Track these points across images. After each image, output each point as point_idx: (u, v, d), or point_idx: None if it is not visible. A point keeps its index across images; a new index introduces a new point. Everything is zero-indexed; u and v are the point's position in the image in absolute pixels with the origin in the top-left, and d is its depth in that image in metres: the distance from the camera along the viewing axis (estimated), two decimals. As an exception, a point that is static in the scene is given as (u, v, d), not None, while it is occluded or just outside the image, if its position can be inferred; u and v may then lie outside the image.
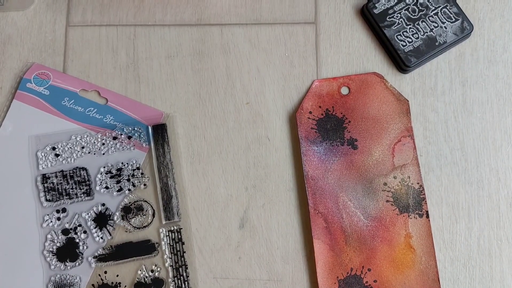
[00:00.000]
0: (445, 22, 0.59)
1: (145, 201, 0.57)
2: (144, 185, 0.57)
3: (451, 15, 0.59)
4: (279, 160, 0.59)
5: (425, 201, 0.56)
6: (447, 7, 0.59)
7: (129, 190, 0.57)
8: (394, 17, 0.60)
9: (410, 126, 0.58)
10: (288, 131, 0.59)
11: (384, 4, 0.60)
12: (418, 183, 0.57)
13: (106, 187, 0.57)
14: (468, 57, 0.60)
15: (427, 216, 0.56)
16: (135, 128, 0.58)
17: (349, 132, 0.58)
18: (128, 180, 0.57)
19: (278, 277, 0.57)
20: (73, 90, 0.60)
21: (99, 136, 0.58)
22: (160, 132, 0.57)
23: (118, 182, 0.57)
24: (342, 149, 0.58)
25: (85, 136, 0.58)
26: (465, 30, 0.59)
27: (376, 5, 0.60)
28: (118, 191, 0.57)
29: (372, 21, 0.60)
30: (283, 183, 0.58)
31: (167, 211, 0.56)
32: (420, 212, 0.56)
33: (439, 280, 0.55)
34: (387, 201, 0.56)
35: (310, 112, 0.59)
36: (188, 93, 0.61)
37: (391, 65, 0.61)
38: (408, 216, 0.56)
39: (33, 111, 0.59)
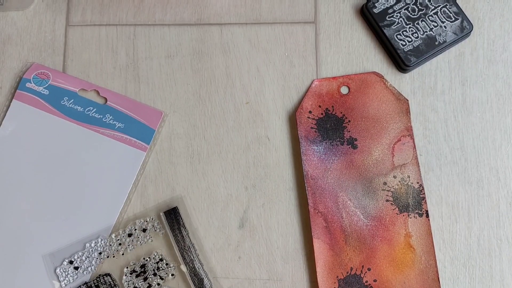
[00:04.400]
0: (444, 22, 0.59)
1: None
2: (172, 275, 0.56)
3: (451, 15, 0.59)
4: (279, 160, 0.59)
5: (425, 201, 0.56)
6: (447, 7, 0.59)
7: (158, 284, 0.56)
8: (394, 16, 0.60)
9: (410, 126, 0.58)
10: (288, 131, 0.59)
11: (384, 3, 0.60)
12: (418, 183, 0.57)
13: (135, 287, 0.56)
14: (468, 56, 0.60)
15: (427, 216, 0.56)
16: (147, 220, 0.57)
17: (349, 131, 0.58)
18: (155, 274, 0.56)
19: (278, 277, 0.57)
20: (73, 90, 0.60)
21: (113, 236, 0.56)
22: (173, 217, 0.56)
23: (145, 279, 0.55)
24: (342, 148, 0.58)
25: (99, 240, 0.56)
26: (464, 30, 0.59)
27: (376, 4, 0.60)
28: None
29: (372, 20, 0.60)
30: (283, 182, 0.58)
31: None
32: (420, 212, 0.56)
33: (439, 280, 0.55)
34: (387, 200, 0.56)
35: (310, 112, 0.59)
36: (187, 93, 0.61)
37: (390, 65, 0.61)
38: (408, 215, 0.56)
39: (32, 111, 0.59)
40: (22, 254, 0.56)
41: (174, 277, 0.56)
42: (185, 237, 0.56)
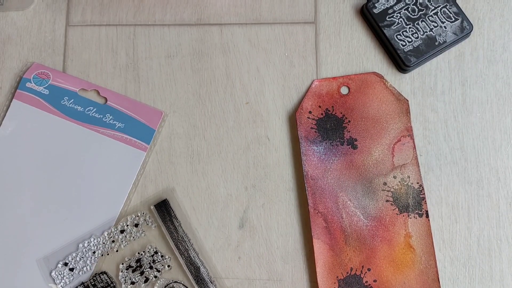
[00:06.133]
0: (444, 22, 0.59)
1: (176, 281, 0.56)
2: (168, 266, 0.56)
3: (451, 15, 0.59)
4: (278, 160, 0.59)
5: (425, 201, 0.56)
6: (447, 7, 0.59)
7: (155, 277, 0.56)
8: (394, 16, 0.60)
9: (409, 126, 0.58)
10: (287, 131, 0.59)
11: (384, 3, 0.60)
12: (417, 183, 0.57)
13: (132, 283, 0.55)
14: (468, 56, 0.60)
15: (427, 216, 0.56)
16: (138, 215, 0.57)
17: (349, 131, 0.58)
18: (151, 267, 0.56)
19: (277, 277, 0.57)
20: (73, 90, 0.60)
21: (106, 234, 0.56)
22: (164, 209, 0.57)
23: (141, 273, 0.56)
24: (341, 148, 0.58)
25: (92, 240, 0.56)
26: (464, 30, 0.59)
27: (376, 4, 0.60)
28: (145, 282, 0.56)
29: (372, 20, 0.60)
30: (282, 183, 0.58)
31: (200, 283, 0.55)
32: (419, 212, 0.56)
33: (438, 280, 0.55)
34: (387, 200, 0.56)
35: (310, 112, 0.59)
36: (187, 93, 0.61)
37: (390, 65, 0.61)
38: (408, 215, 0.56)
39: (32, 110, 0.59)
40: (21, 257, 0.56)
41: (171, 268, 0.56)
42: (177, 228, 0.56)
